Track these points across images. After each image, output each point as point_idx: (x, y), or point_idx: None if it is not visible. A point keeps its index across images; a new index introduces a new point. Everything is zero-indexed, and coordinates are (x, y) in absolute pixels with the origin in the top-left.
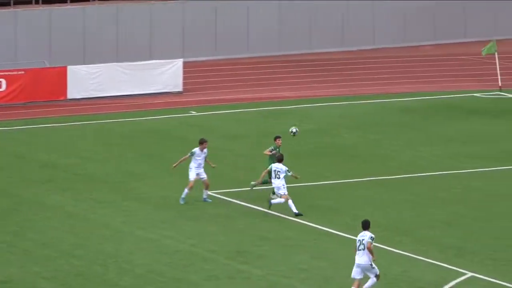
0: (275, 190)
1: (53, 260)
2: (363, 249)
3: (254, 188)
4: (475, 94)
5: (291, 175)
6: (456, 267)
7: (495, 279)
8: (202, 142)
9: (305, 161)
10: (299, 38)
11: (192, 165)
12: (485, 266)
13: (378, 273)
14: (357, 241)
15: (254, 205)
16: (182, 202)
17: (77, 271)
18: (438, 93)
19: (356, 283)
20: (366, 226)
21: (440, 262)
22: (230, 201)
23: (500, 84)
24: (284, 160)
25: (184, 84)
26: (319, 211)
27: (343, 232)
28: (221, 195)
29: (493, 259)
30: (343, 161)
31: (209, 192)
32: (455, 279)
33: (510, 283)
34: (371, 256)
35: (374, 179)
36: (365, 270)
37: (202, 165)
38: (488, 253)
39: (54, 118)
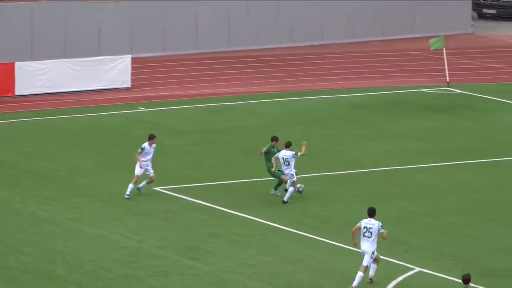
0: (288, 177)
1: (0, 256)
2: (370, 237)
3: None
4: (423, 90)
5: (301, 154)
6: (404, 262)
7: (443, 274)
8: (151, 138)
9: (252, 157)
10: (248, 35)
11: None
12: (433, 261)
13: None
14: (362, 227)
15: (203, 201)
16: (127, 198)
17: (25, 268)
18: (387, 88)
19: (363, 268)
20: (372, 213)
21: (388, 257)
22: (178, 197)
23: (448, 80)
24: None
25: (133, 80)
26: (268, 207)
27: (291, 228)
28: (169, 191)
29: (441, 254)
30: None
31: (153, 188)
32: (403, 274)
33: (457, 278)
34: (376, 246)
35: (323, 174)
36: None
37: (151, 160)
38: (436, 248)
39: (1, 115)
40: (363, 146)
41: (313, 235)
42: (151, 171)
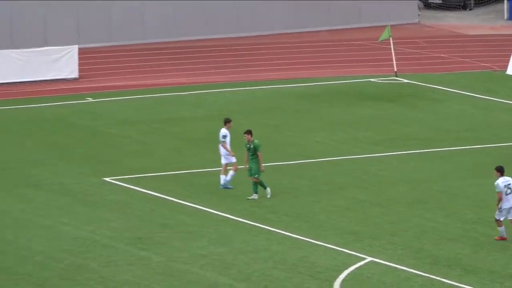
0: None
1: None
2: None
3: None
4: (371, 80)
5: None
6: (356, 252)
7: (394, 263)
8: (228, 121)
9: (199, 148)
10: (195, 24)
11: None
12: (384, 251)
13: None
14: (503, 186)
15: (153, 192)
16: (230, 188)
17: None
18: (335, 78)
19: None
20: (503, 170)
21: (340, 247)
22: (128, 187)
23: (395, 69)
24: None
25: (80, 70)
26: (218, 198)
27: (242, 218)
28: (119, 181)
29: (392, 243)
30: (241, 147)
31: (102, 178)
32: (354, 264)
33: (408, 267)
34: None
35: (272, 164)
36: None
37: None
38: (387, 238)
39: None
40: (311, 136)
41: (265, 225)
42: (233, 159)
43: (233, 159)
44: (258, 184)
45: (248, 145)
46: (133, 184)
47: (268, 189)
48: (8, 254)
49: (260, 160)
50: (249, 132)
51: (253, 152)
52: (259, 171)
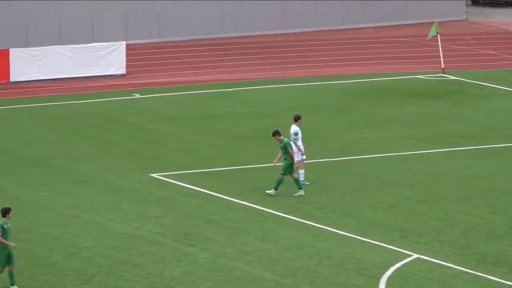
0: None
1: None
2: None
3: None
4: (418, 76)
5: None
6: (402, 249)
7: (440, 260)
8: (299, 118)
9: (243, 145)
10: (240, 21)
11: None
12: (430, 248)
13: None
14: None
15: (199, 188)
16: (307, 183)
17: (23, 254)
18: (381, 75)
19: None
20: None
21: (386, 244)
22: (174, 183)
23: (443, 66)
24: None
25: (127, 66)
26: (263, 194)
27: (288, 215)
28: (165, 177)
29: (438, 240)
30: None
31: (149, 175)
32: (401, 260)
33: (454, 264)
34: None
35: (317, 161)
36: None
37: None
38: (433, 235)
39: None
40: (357, 132)
41: (311, 221)
42: (302, 157)
43: (302, 157)
44: (280, 181)
45: (280, 144)
46: (178, 180)
47: (272, 191)
48: (55, 250)
49: (291, 156)
50: (275, 133)
51: (285, 151)
52: (287, 168)
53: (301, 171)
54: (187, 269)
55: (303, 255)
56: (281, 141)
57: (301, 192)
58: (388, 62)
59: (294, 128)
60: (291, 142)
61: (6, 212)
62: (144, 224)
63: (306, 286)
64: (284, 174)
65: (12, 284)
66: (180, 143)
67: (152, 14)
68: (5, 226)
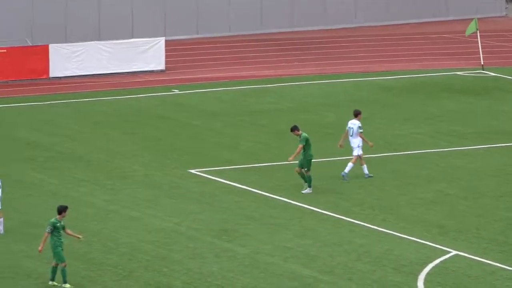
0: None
1: (36, 238)
2: None
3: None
4: (457, 73)
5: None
6: (440, 245)
7: (479, 257)
8: (359, 113)
9: (284, 140)
10: (280, 17)
11: (354, 138)
12: (469, 244)
13: None
14: None
15: (238, 184)
16: (371, 176)
17: None
18: (420, 71)
19: None
20: None
21: (424, 240)
22: (213, 179)
23: (482, 62)
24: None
25: (167, 62)
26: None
27: (326, 211)
28: (204, 173)
29: (477, 237)
30: (324, 139)
31: (188, 170)
32: (439, 257)
33: (493, 261)
34: None
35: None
36: None
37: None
38: (472, 231)
39: (37, 97)
40: (396, 128)
41: (349, 218)
42: (360, 151)
43: (360, 152)
44: (300, 176)
45: (299, 139)
46: (218, 176)
47: (308, 189)
48: (94, 245)
49: (297, 152)
50: (293, 128)
51: (307, 146)
52: (304, 164)
53: (364, 166)
54: (226, 265)
55: (341, 251)
56: (299, 135)
57: (309, 190)
58: (427, 58)
59: (357, 122)
60: (358, 136)
61: (62, 210)
62: (183, 220)
63: (344, 282)
64: (308, 170)
65: (64, 282)
66: (220, 138)
67: (191, 10)
68: (58, 224)
